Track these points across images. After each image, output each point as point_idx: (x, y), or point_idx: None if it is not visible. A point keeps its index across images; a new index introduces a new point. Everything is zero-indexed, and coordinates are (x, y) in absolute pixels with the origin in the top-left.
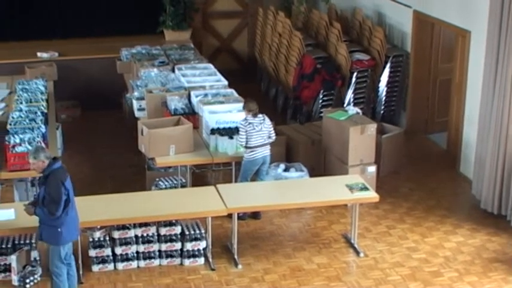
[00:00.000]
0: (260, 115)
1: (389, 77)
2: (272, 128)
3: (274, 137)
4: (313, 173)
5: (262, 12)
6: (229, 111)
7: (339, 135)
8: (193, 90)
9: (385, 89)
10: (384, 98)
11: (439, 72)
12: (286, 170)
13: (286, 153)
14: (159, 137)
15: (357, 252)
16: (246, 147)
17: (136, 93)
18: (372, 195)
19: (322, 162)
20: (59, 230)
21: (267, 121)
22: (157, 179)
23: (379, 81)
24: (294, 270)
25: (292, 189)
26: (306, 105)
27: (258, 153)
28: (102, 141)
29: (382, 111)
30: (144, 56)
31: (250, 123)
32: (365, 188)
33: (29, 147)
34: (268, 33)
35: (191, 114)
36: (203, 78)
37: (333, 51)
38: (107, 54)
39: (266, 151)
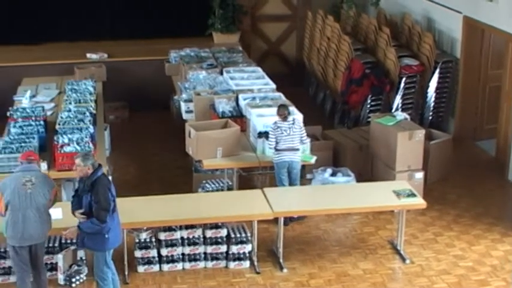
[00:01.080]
0: (290, 119)
1: (438, 82)
2: (304, 132)
3: (307, 141)
4: (360, 178)
5: (311, 16)
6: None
7: (387, 140)
8: (241, 93)
9: (434, 94)
10: (432, 104)
11: (488, 79)
12: (333, 174)
13: (333, 157)
14: (206, 139)
15: (403, 259)
16: (275, 149)
17: (184, 96)
18: (419, 201)
19: (370, 167)
20: (106, 236)
21: (297, 125)
22: (204, 181)
23: (427, 87)
24: (339, 275)
25: (338, 194)
26: (354, 110)
27: (284, 156)
28: (150, 142)
29: (430, 117)
30: (193, 58)
31: (278, 127)
32: (412, 195)
33: (77, 148)
34: (316, 37)
35: (239, 117)
36: (251, 81)
37: (381, 56)
38: (156, 56)
39: (294, 156)
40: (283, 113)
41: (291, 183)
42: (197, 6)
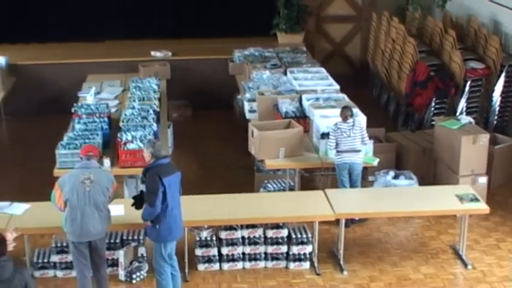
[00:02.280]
0: (350, 120)
1: (504, 86)
2: (365, 133)
3: (368, 142)
4: (422, 182)
5: (376, 17)
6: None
7: (450, 144)
8: (304, 94)
9: (499, 98)
10: (497, 108)
11: None
12: (395, 177)
13: (396, 160)
14: (269, 139)
15: (465, 264)
16: (336, 151)
17: (247, 95)
18: (482, 206)
19: (432, 171)
20: (157, 226)
21: (358, 126)
22: (265, 181)
23: (493, 90)
24: (400, 279)
25: (401, 197)
26: (418, 112)
27: (345, 157)
28: (212, 141)
29: (495, 122)
30: (257, 58)
31: (339, 128)
32: (475, 199)
33: (140, 145)
34: (381, 39)
35: (302, 118)
36: (315, 82)
37: (446, 58)
38: (220, 55)
39: (355, 158)
40: (345, 114)
41: (352, 185)
42: (262, 6)
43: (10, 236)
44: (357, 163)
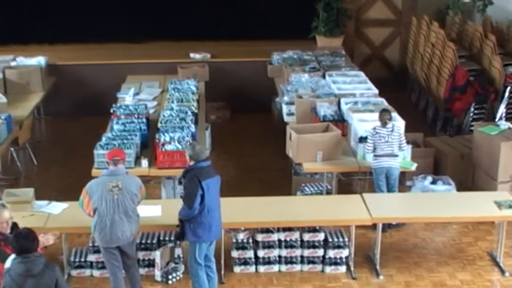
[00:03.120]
0: (389, 125)
1: None
2: (403, 139)
3: (405, 148)
4: (460, 188)
5: (415, 21)
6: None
7: (489, 150)
8: (343, 98)
9: None
10: None
11: None
12: (433, 182)
13: (434, 165)
14: (307, 142)
15: (502, 272)
16: (374, 155)
17: (286, 98)
18: None
19: (471, 176)
20: (191, 226)
21: (396, 131)
22: (303, 184)
23: None
24: (436, 285)
25: (438, 203)
26: (457, 117)
27: (383, 162)
28: (250, 143)
29: None
30: (296, 61)
31: (377, 132)
32: None
33: (178, 146)
34: (420, 43)
35: (340, 122)
36: (353, 85)
37: (486, 64)
38: (258, 57)
39: (392, 162)
40: (384, 118)
41: (389, 190)
42: (301, 9)
43: (51, 239)
44: (394, 167)
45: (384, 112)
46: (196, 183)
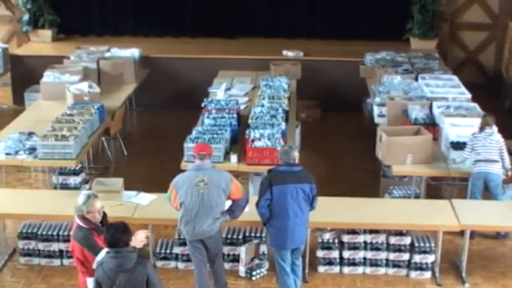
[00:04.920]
0: (488, 129)
1: None
2: (503, 146)
3: (506, 158)
4: None
5: None
6: (470, 126)
7: None
8: (435, 101)
9: None
10: None
11: None
12: None
13: None
14: (397, 145)
15: None
16: (474, 160)
17: (377, 99)
18: None
19: None
20: (270, 230)
21: (495, 137)
22: (391, 187)
23: None
24: None
25: None
26: None
27: (480, 167)
28: (339, 143)
29: None
30: (388, 62)
31: (475, 137)
32: None
33: (268, 143)
34: None
35: (431, 125)
36: (446, 89)
37: None
38: (351, 57)
39: (491, 168)
40: (483, 122)
41: (492, 197)
42: (396, 10)
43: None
44: (493, 173)
45: (485, 117)
46: (266, 187)
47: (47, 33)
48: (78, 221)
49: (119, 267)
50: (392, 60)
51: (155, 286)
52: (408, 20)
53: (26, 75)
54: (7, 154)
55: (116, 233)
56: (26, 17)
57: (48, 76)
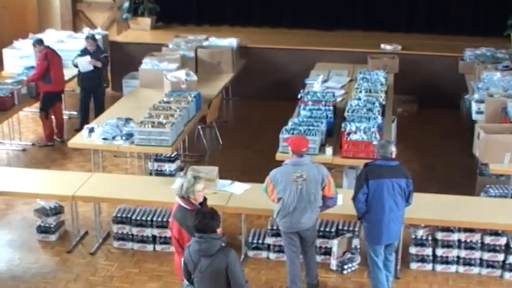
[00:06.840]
0: None
1: None
2: None
3: None
4: None
5: None
6: None
7: None
8: None
9: None
10: None
11: None
12: None
13: None
14: (495, 142)
15: None
16: None
17: (476, 96)
18: None
19: None
20: (364, 224)
21: None
22: (487, 186)
23: None
24: None
25: None
26: None
27: None
28: (435, 139)
29: None
30: (488, 58)
31: None
32: None
33: (364, 137)
34: None
35: None
36: None
37: None
38: (450, 52)
39: None
40: None
41: None
42: (497, 5)
43: None
44: None
45: None
46: (362, 182)
47: (146, 21)
48: (179, 201)
49: (201, 251)
50: (492, 56)
51: (235, 276)
52: (510, 16)
53: (124, 62)
54: (104, 139)
55: (204, 219)
56: (126, 4)
57: (147, 63)
